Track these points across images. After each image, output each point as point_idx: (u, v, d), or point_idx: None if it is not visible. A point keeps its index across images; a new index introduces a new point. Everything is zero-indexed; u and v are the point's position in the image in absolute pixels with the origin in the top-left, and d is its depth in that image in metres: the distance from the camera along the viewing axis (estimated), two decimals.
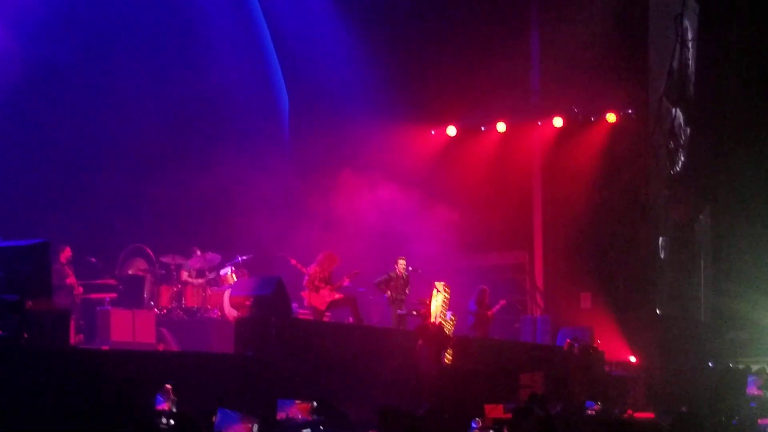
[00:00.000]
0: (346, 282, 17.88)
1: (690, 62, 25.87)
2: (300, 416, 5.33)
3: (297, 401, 5.37)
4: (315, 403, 5.07)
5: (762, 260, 25.05)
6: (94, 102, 18.91)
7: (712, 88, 25.46)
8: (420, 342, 16.54)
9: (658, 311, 25.39)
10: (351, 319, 18.32)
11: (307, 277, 17.36)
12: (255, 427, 4.84)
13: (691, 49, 25.67)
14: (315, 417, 5.11)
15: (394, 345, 16.39)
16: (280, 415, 5.47)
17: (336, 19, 22.91)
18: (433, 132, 25.59)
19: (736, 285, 25.62)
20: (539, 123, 25.12)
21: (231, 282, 17.91)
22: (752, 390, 10.81)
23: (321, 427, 4.34)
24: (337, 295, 17.50)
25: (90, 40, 18.86)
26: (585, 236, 24.62)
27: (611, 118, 24.55)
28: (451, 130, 25.45)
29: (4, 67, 17.18)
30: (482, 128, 25.54)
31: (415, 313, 18.18)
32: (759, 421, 8.03)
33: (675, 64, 25.10)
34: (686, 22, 25.72)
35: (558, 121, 24.77)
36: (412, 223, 21.97)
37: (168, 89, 19.66)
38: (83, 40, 18.62)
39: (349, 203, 21.79)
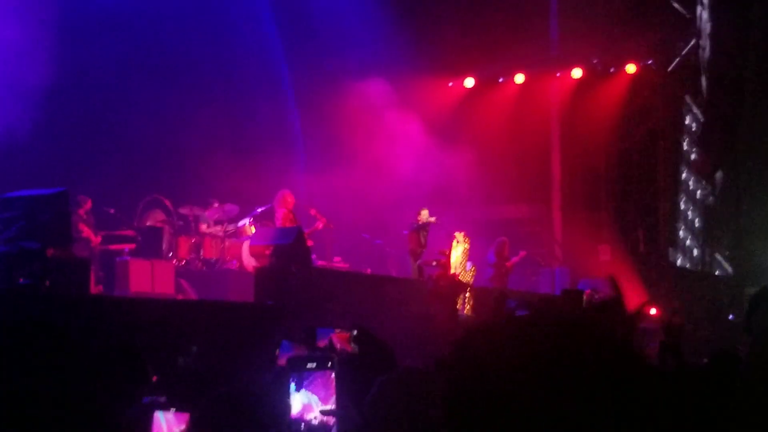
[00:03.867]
0: (320, 226, 17.54)
1: (707, 16, 25.59)
2: (339, 345, 5.24)
3: (337, 330, 5.25)
4: (355, 332, 4.95)
5: None
6: (112, 48, 18.74)
7: (731, 42, 25.19)
8: (433, 292, 16.48)
9: (676, 262, 25.33)
10: (369, 270, 18.28)
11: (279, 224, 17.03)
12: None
13: (707, 13, 25.40)
14: (354, 346, 5.01)
15: (413, 295, 16.34)
16: (322, 343, 5.39)
17: None
18: (450, 84, 25.40)
19: (756, 240, 25.50)
20: (558, 74, 24.90)
21: (249, 233, 17.84)
22: None
23: (329, 363, 4.21)
24: (309, 242, 17.16)
25: None
26: (603, 188, 24.53)
27: (631, 69, 24.36)
28: (469, 82, 25.27)
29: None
30: (500, 80, 25.35)
31: (435, 263, 18.12)
32: None
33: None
34: None
35: (577, 72, 24.55)
36: (430, 174, 21.85)
37: (185, 34, 19.51)
38: None
39: (366, 154, 21.66)
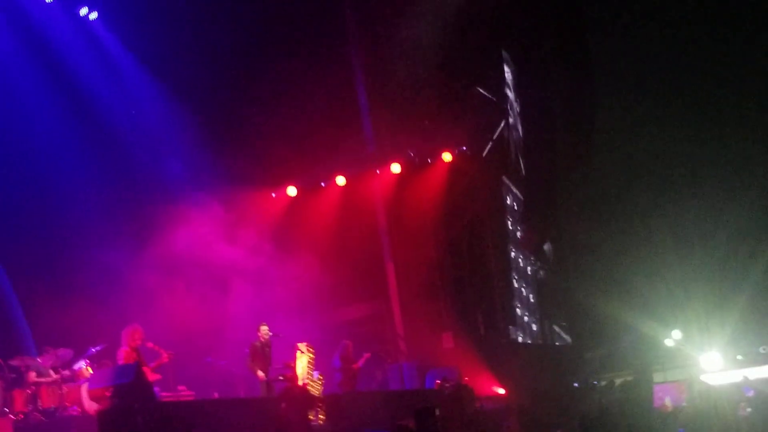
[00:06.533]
0: (165, 359, 17.12)
1: (513, 96, 26.65)
2: None
3: None
4: None
5: (609, 277, 25.77)
6: None
7: (539, 117, 26.28)
8: (283, 406, 16.18)
9: (517, 339, 25.80)
10: (216, 394, 17.85)
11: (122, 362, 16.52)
12: None
13: (513, 94, 26.50)
14: None
15: (266, 414, 16.00)
16: None
17: (153, 89, 22.56)
18: (273, 194, 25.38)
19: (587, 304, 26.29)
20: (378, 171, 25.23)
21: (87, 375, 17.17)
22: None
23: None
24: (157, 376, 16.71)
25: None
26: (438, 277, 24.83)
27: (447, 157, 24.83)
28: (292, 190, 25.33)
29: None
30: (322, 184, 25.51)
31: (281, 378, 17.85)
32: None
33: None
34: (506, 71, 26.56)
35: (396, 167, 24.94)
36: (264, 286, 21.67)
37: None
38: None
39: (194, 278, 21.29)
